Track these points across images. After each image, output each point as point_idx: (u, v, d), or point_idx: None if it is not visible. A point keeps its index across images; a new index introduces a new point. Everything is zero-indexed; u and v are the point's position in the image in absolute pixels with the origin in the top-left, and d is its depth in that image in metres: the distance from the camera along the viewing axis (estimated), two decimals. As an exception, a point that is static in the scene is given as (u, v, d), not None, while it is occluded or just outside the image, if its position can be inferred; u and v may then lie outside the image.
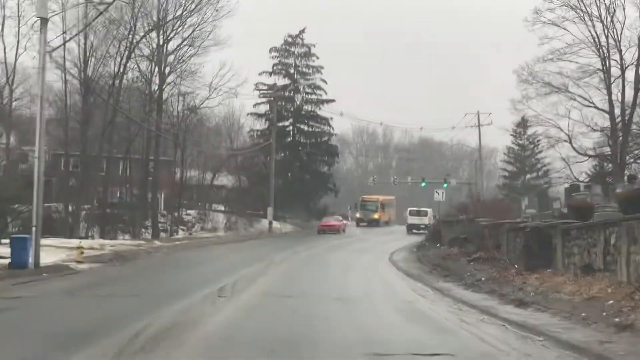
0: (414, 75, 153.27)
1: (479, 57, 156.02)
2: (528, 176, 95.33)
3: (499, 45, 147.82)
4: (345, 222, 60.42)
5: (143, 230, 53.51)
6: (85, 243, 33.11)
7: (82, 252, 27.03)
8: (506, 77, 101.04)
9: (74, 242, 32.40)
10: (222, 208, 62.85)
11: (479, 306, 15.63)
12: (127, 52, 50.33)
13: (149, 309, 13.72)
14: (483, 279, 20.93)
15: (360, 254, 36.16)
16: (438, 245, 37.42)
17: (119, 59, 50.14)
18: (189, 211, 60.36)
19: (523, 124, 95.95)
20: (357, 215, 76.29)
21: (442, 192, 68.63)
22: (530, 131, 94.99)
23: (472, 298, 17.29)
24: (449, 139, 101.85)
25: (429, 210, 68.47)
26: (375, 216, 75.09)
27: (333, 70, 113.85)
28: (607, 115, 54.21)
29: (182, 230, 56.62)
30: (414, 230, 61.64)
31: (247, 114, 71.65)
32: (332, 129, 74.67)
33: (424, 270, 25.89)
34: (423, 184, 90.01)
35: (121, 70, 50.38)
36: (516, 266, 21.98)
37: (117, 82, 50.38)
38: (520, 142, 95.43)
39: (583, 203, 25.38)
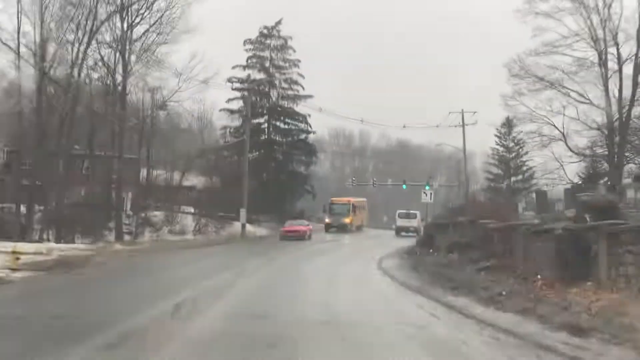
0: (396, 75, 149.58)
1: (465, 57, 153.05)
2: (513, 179, 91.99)
3: (486, 45, 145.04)
4: (311, 226, 54.68)
5: (106, 232, 49.16)
6: (31, 247, 28.75)
7: (17, 259, 22.74)
8: (495, 75, 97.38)
9: (22, 246, 28.07)
10: (192, 210, 58.42)
11: (520, 334, 11.64)
12: (87, 38, 45.98)
13: (62, 343, 9.52)
14: (503, 292, 16.93)
15: (346, 261, 32.10)
16: (431, 251, 33.42)
17: (77, 45, 45.76)
18: (156, 212, 55.96)
19: (508, 124, 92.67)
20: (327, 219, 66.26)
21: (431, 193, 64.81)
22: (515, 132, 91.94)
23: (503, 321, 13.24)
24: (428, 141, 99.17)
25: (418, 212, 67.16)
26: (346, 220, 65.89)
27: (311, 68, 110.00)
28: (603, 113, 50.88)
29: (150, 232, 52.39)
30: (403, 233, 60.69)
31: (220, 110, 67.38)
32: (310, 126, 70.62)
33: (424, 281, 21.73)
34: (404, 187, 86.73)
35: (81, 57, 46.03)
36: (539, 276, 18.08)
37: (76, 70, 45.99)
38: (505, 143, 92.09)
39: (607, 203, 21.42)
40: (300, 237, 49.86)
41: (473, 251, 25.36)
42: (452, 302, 16.50)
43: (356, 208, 69.74)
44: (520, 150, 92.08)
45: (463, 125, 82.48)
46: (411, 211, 67.21)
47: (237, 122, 68.97)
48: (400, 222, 64.85)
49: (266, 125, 70.58)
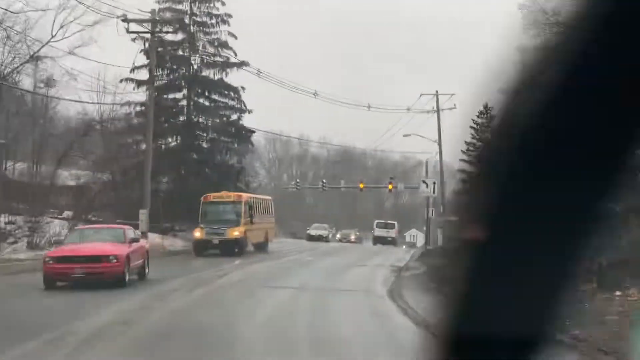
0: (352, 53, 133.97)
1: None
2: (493, 180, 75.80)
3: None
4: (143, 245, 27.23)
5: None
6: None
7: None
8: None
9: None
10: (68, 214, 40.00)
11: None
12: None
13: None
14: None
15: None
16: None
17: None
18: (16, 218, 37.54)
19: (487, 112, 76.39)
20: (196, 232, 38.88)
21: (434, 183, 49.31)
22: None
23: None
24: (372, 147, 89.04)
25: (396, 223, 69.72)
26: (233, 233, 38.20)
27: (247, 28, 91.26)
28: None
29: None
30: (379, 244, 60.53)
31: (121, 81, 48.58)
32: (244, 104, 52.50)
33: None
34: (361, 189, 70.29)
35: None
36: None
37: None
38: (484, 136, 75.69)
39: None
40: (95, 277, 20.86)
41: None
42: None
43: (252, 210, 41.06)
44: (502, 145, 76.11)
45: (438, 110, 65.75)
46: (389, 221, 68.67)
47: (145, 95, 50.75)
48: (378, 232, 65.79)
49: (185, 102, 52.29)
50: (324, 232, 68.13)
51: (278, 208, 62.41)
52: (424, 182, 51.78)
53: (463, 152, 76.40)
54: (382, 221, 68.49)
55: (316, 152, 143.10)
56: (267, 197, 49.87)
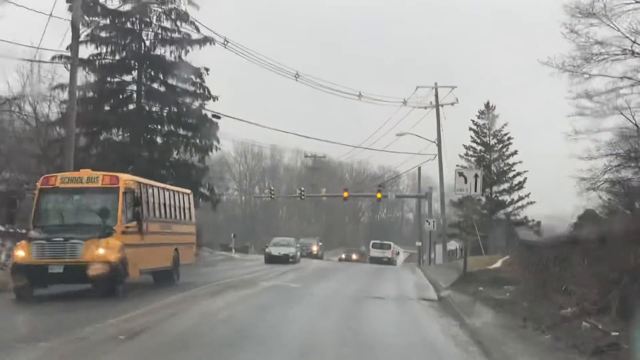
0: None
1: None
2: (495, 188, 66.34)
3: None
4: None
5: None
6: None
7: None
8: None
9: None
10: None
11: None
12: None
13: None
14: None
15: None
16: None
17: None
18: None
19: (488, 111, 67.07)
20: (19, 252, 20.22)
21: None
22: (501, 121, 66.37)
23: None
24: (349, 157, 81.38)
25: (392, 243, 70.14)
26: (93, 254, 19.60)
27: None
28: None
29: None
30: (375, 264, 58.08)
31: (53, 58, 38.24)
32: (208, 91, 42.55)
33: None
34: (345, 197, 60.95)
35: None
36: None
37: None
38: (484, 139, 66.40)
39: None
40: None
41: None
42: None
43: (142, 207, 22.13)
44: (505, 149, 66.71)
45: (437, 104, 56.48)
46: (385, 242, 69.37)
47: (88, 77, 40.84)
48: (374, 253, 65.69)
49: (135, 87, 42.21)
50: (290, 251, 46.98)
51: (250, 222, 51.61)
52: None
53: (461, 156, 66.92)
54: (378, 241, 69.00)
55: (290, 164, 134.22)
56: (184, 191, 28.34)
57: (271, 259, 45.47)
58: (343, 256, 68.69)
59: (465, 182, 27.05)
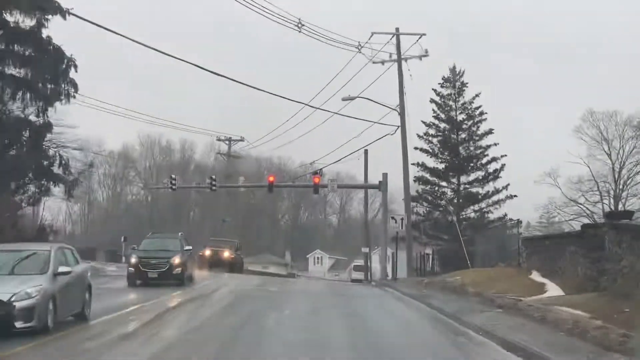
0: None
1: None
2: (463, 178, 51.71)
3: None
4: None
5: None
6: None
7: None
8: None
9: None
10: None
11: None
12: None
13: None
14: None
15: None
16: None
17: None
18: None
19: (453, 78, 52.24)
20: None
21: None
22: (471, 91, 51.75)
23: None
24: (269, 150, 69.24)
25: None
26: None
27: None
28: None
29: None
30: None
31: None
32: (58, 4, 26.33)
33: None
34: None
35: None
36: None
37: None
38: (451, 114, 51.62)
39: None
40: None
41: None
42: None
43: None
44: (476, 127, 52.18)
45: (399, 55, 41.26)
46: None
47: None
48: (355, 275, 64.66)
49: None
50: (170, 258, 27.66)
51: (157, 224, 36.19)
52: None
53: (420, 137, 51.94)
54: (359, 264, 65.26)
55: (202, 160, 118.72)
56: None
57: (139, 278, 27.34)
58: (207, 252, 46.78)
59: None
